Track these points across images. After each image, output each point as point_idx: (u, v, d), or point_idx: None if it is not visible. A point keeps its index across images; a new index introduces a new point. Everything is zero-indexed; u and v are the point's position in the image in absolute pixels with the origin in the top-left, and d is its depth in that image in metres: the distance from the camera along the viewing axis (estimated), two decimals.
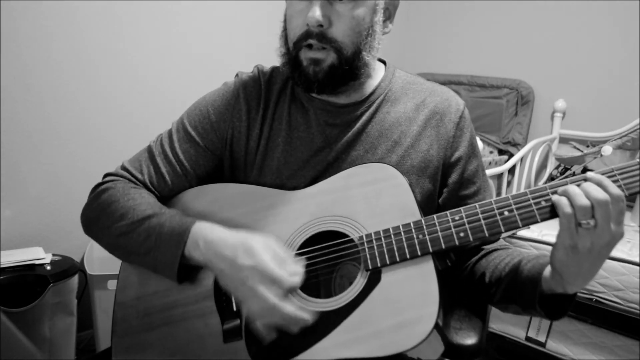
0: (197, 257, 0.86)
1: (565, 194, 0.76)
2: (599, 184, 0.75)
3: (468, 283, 1.01)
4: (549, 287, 0.83)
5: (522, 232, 2.16)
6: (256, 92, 1.03)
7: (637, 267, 1.90)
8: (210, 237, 0.86)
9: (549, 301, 0.84)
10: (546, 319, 0.86)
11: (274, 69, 1.07)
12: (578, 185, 0.76)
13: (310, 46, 0.91)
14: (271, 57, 1.05)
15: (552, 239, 2.08)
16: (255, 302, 0.80)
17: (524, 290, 0.86)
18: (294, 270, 0.82)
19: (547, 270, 0.83)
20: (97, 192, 0.99)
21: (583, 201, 0.73)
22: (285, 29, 0.96)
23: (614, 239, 0.75)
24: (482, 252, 1.02)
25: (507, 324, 2.23)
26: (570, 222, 0.75)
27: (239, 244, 0.83)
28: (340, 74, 0.93)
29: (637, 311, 1.89)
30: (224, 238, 0.85)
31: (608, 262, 1.96)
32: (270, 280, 0.80)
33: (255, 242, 0.83)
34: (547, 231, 2.18)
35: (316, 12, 0.87)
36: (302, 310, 0.80)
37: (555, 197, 0.77)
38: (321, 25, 0.88)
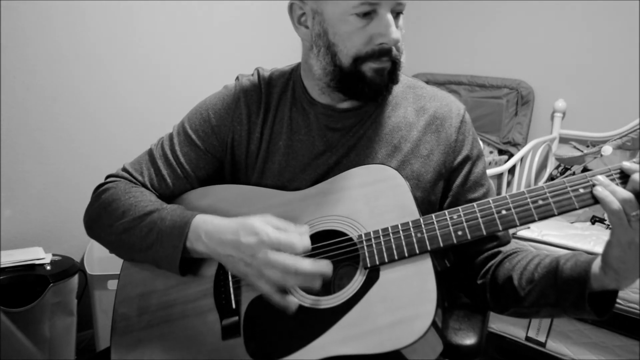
0: (201, 249, 0.87)
1: (608, 189, 0.75)
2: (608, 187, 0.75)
3: (491, 288, 0.97)
4: (601, 284, 0.80)
5: (522, 232, 2.16)
6: (257, 95, 1.04)
7: None
8: (210, 227, 0.87)
9: (596, 299, 0.83)
10: (594, 318, 0.84)
11: (274, 72, 1.07)
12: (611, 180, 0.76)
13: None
14: (273, 58, 1.05)
15: (552, 239, 2.09)
16: (270, 271, 0.80)
17: (569, 291, 0.83)
18: (301, 231, 0.83)
19: (596, 268, 0.81)
20: (99, 192, 1.00)
21: (627, 194, 0.73)
22: (330, 45, 0.93)
23: None
24: (502, 256, 0.99)
25: (507, 324, 2.23)
26: (622, 218, 0.73)
27: (239, 226, 0.85)
28: (394, 78, 0.95)
29: (637, 311, 1.89)
30: (224, 225, 0.87)
31: None
32: (280, 247, 0.80)
33: (253, 220, 0.85)
34: (547, 231, 2.17)
35: (398, 34, 0.90)
36: (319, 260, 0.80)
37: (600, 195, 0.75)
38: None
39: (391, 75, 0.94)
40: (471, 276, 1.01)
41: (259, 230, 0.82)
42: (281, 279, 0.80)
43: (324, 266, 0.80)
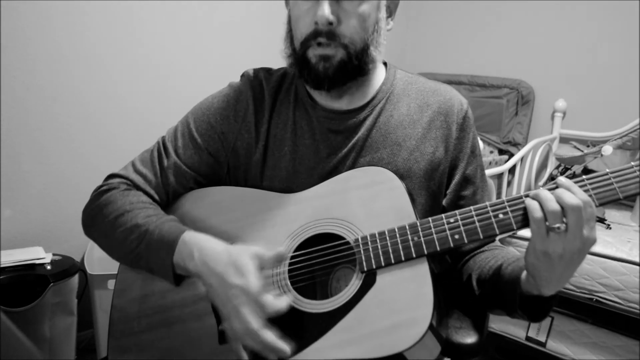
0: (191, 268, 0.84)
1: (536, 198, 0.76)
2: (569, 189, 0.75)
3: (458, 284, 1.02)
4: (526, 289, 0.83)
5: (522, 232, 2.16)
6: (262, 100, 1.03)
7: (637, 267, 1.90)
8: (204, 249, 0.84)
9: (530, 303, 0.85)
10: (528, 321, 0.86)
11: (278, 71, 1.07)
12: (550, 190, 0.76)
13: (319, 44, 0.90)
14: (274, 58, 1.04)
15: None
16: (237, 322, 0.77)
17: (506, 294, 0.86)
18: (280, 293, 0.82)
19: (524, 274, 0.84)
20: (97, 193, 0.99)
21: (554, 206, 0.74)
22: (289, 30, 0.96)
23: (586, 244, 0.75)
24: (471, 254, 1.02)
25: (507, 324, 2.23)
26: (541, 227, 0.75)
27: (230, 261, 0.81)
28: (350, 69, 0.93)
29: (637, 311, 1.89)
30: (218, 252, 0.83)
31: (608, 262, 1.96)
32: (255, 303, 0.77)
33: (246, 261, 0.81)
34: None
35: (325, 11, 0.87)
36: (280, 341, 0.76)
37: (527, 201, 0.77)
38: (330, 24, 0.88)
39: (344, 64, 0.91)
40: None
41: (246, 274, 0.78)
42: (241, 335, 0.77)
43: (284, 347, 0.76)
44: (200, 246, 0.85)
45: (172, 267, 0.87)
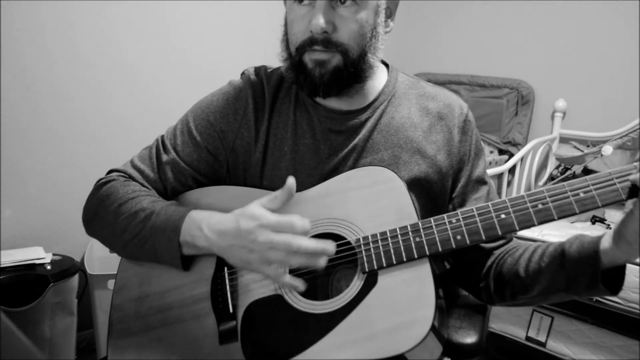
0: (201, 243, 0.85)
1: None
2: None
3: (496, 287, 0.97)
4: (612, 259, 0.80)
5: (522, 232, 2.16)
6: (262, 99, 1.02)
7: (637, 267, 1.90)
8: (211, 220, 0.85)
9: (605, 278, 0.82)
10: (609, 295, 0.83)
11: (276, 70, 1.06)
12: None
13: (314, 49, 0.90)
14: (274, 58, 1.04)
15: (553, 239, 2.09)
16: (275, 253, 0.77)
17: (581, 273, 0.83)
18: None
19: (606, 244, 0.81)
20: (98, 186, 0.99)
21: None
22: (286, 34, 0.96)
23: None
24: (502, 252, 0.99)
25: (507, 324, 2.23)
26: None
27: (237, 215, 0.82)
28: (346, 76, 0.92)
29: (637, 311, 1.89)
30: (225, 217, 0.84)
31: None
32: (280, 227, 0.77)
33: (250, 207, 0.82)
34: (548, 231, 2.17)
35: (320, 20, 0.86)
36: (321, 241, 0.77)
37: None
38: (326, 32, 0.88)
39: (340, 71, 0.91)
40: (473, 275, 1.01)
41: (258, 215, 0.79)
42: (285, 259, 0.77)
43: (327, 244, 0.77)
44: (207, 220, 0.86)
45: (179, 247, 0.87)
